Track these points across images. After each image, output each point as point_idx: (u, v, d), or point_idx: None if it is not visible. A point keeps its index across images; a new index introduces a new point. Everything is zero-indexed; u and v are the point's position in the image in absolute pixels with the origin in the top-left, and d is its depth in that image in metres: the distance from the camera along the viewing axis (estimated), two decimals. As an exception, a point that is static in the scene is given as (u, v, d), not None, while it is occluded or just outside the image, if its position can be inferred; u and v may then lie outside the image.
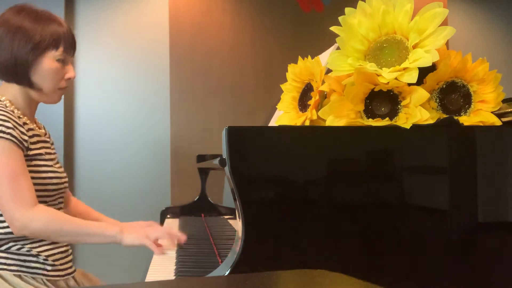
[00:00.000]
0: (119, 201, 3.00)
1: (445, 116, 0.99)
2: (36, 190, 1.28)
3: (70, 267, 1.40)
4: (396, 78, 0.94)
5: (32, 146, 1.31)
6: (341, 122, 0.97)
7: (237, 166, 0.90)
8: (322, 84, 1.06)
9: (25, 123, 1.32)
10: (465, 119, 1.00)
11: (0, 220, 1.27)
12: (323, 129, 0.99)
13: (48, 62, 1.32)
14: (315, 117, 1.04)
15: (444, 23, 0.95)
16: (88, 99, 3.10)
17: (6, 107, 1.31)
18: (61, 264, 1.35)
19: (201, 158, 2.37)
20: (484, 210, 0.98)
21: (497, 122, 1.00)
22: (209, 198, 2.16)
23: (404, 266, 0.95)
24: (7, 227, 1.26)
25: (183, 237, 1.34)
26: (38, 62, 1.31)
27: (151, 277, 1.21)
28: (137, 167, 3.09)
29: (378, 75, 0.95)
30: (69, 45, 1.36)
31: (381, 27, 1.00)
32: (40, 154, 1.33)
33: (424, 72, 0.97)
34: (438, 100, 1.01)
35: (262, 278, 0.68)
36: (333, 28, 1.02)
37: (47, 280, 1.31)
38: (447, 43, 1.01)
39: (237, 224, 0.94)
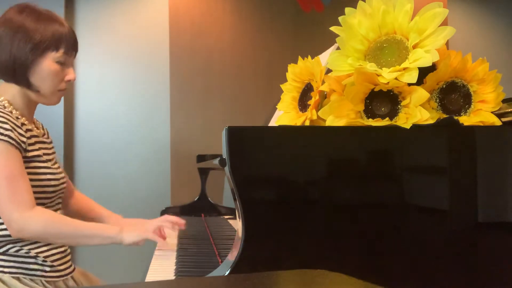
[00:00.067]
0: (119, 201, 3.00)
1: (445, 116, 0.99)
2: (34, 192, 1.27)
3: (69, 267, 1.39)
4: (396, 78, 0.94)
5: (30, 148, 1.30)
6: (341, 122, 0.97)
7: (237, 166, 0.90)
8: (322, 84, 1.06)
9: (23, 124, 1.31)
10: (465, 119, 1.00)
11: None
12: (323, 129, 0.98)
13: (48, 63, 1.30)
14: (315, 117, 1.04)
15: (444, 23, 0.95)
16: (88, 99, 3.09)
17: (5, 107, 1.30)
18: (59, 265, 1.34)
19: (201, 158, 2.37)
20: (484, 210, 0.98)
21: (497, 122, 1.00)
22: (209, 198, 2.16)
23: (404, 266, 0.95)
24: (5, 229, 1.25)
25: (181, 221, 1.36)
26: (37, 63, 1.29)
27: (151, 277, 1.21)
28: (137, 167, 3.09)
29: (378, 75, 0.95)
30: (70, 46, 1.34)
31: (381, 27, 1.00)
32: (38, 155, 1.32)
33: (424, 72, 0.97)
34: (438, 100, 1.01)
35: (262, 278, 0.68)
36: (333, 28, 1.02)
37: (46, 281, 1.30)
38: (447, 43, 1.01)
39: (237, 224, 0.94)
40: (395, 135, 0.96)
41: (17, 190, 1.22)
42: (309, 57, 1.11)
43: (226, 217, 1.91)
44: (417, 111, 0.94)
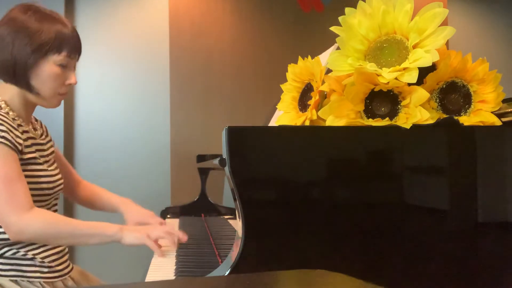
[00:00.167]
0: (119, 201, 3.00)
1: (445, 116, 0.99)
2: (31, 195, 1.25)
3: (67, 267, 1.38)
4: (396, 78, 0.94)
5: (26, 150, 1.28)
6: (341, 122, 0.97)
7: (237, 166, 0.90)
8: (322, 84, 1.06)
9: (19, 125, 1.29)
10: (465, 119, 1.00)
11: None
12: (323, 129, 0.98)
13: (49, 66, 1.28)
14: (315, 117, 1.04)
15: (444, 23, 0.95)
16: (88, 99, 3.09)
17: (1, 108, 1.28)
18: (57, 265, 1.33)
19: (201, 158, 2.37)
20: (484, 210, 0.98)
21: (497, 122, 1.00)
22: (209, 198, 2.16)
23: (404, 266, 0.95)
24: (2, 232, 1.24)
25: (184, 237, 1.33)
26: (38, 65, 1.27)
27: (151, 277, 1.21)
28: (137, 167, 3.09)
29: (378, 75, 0.95)
30: (73, 49, 1.31)
31: (381, 27, 1.00)
32: (34, 158, 1.30)
33: (424, 72, 0.97)
34: (438, 100, 1.01)
35: (262, 278, 0.68)
36: (333, 28, 1.02)
37: (45, 282, 1.29)
38: (447, 43, 1.01)
39: (237, 224, 0.94)
40: (395, 135, 0.96)
41: (15, 192, 1.20)
42: (309, 57, 1.11)
43: (226, 217, 1.92)
44: (417, 111, 0.94)
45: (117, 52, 3.12)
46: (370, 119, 0.97)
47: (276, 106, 1.19)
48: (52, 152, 1.45)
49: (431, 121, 0.95)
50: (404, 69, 0.94)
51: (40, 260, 1.28)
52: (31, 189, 1.25)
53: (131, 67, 3.13)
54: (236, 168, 0.90)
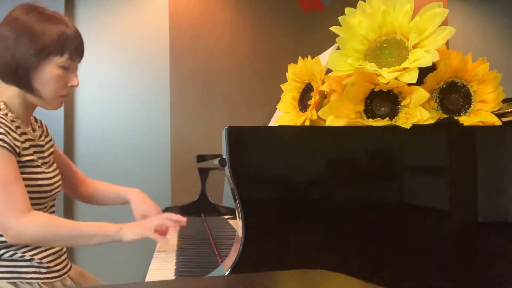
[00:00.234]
0: (119, 201, 3.00)
1: (445, 116, 0.99)
2: (29, 198, 1.23)
3: (65, 267, 1.37)
4: (396, 78, 0.94)
5: (24, 152, 1.27)
6: (341, 122, 0.97)
7: (237, 166, 0.90)
8: (322, 84, 1.06)
9: (18, 127, 1.28)
10: (465, 119, 1.00)
11: None
12: (323, 129, 0.98)
13: (51, 68, 1.26)
14: (315, 117, 1.04)
15: (444, 23, 0.95)
16: (88, 99, 3.09)
17: (0, 110, 1.27)
18: (55, 265, 1.32)
19: (201, 158, 2.37)
20: (484, 210, 0.98)
21: (497, 122, 1.00)
22: (209, 198, 2.16)
23: (404, 266, 0.95)
24: (0, 235, 1.23)
25: (183, 219, 1.33)
26: (40, 67, 1.25)
27: (151, 277, 1.21)
28: (137, 167, 3.09)
29: (378, 75, 0.95)
30: (76, 51, 1.30)
31: (381, 27, 1.00)
32: (32, 160, 1.29)
33: (424, 72, 0.97)
34: (438, 100, 1.01)
35: (262, 278, 0.68)
36: (333, 28, 1.02)
37: (43, 283, 1.28)
38: (447, 43, 1.01)
39: (237, 224, 0.94)
40: (395, 135, 0.96)
41: (12, 195, 1.18)
42: (309, 57, 1.11)
43: (226, 217, 1.92)
44: (417, 111, 0.94)
45: (117, 52, 3.12)
46: (370, 119, 0.97)
47: (276, 106, 1.19)
48: (52, 152, 1.43)
49: (431, 121, 0.95)
50: (404, 69, 0.94)
51: (38, 261, 1.28)
52: (28, 191, 1.24)
53: (131, 67, 3.13)
54: (236, 168, 0.90)
